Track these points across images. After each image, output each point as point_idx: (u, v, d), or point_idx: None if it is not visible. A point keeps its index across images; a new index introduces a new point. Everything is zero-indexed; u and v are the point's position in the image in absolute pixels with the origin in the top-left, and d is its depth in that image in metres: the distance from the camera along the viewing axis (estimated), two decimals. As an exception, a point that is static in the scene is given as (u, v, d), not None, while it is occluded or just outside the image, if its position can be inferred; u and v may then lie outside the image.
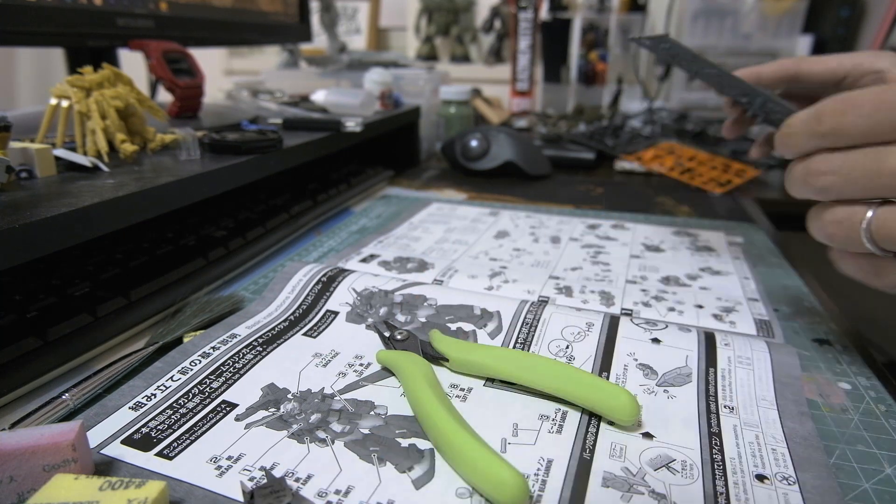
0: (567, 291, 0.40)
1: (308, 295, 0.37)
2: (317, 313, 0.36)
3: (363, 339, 0.33)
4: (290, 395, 0.28)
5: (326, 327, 0.34)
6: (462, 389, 0.29)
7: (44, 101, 0.43)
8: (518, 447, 0.24)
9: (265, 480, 0.22)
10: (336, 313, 0.35)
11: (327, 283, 0.38)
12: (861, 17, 1.10)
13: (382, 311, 0.35)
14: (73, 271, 0.37)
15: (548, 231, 0.53)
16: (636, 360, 0.31)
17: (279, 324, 0.34)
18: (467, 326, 0.34)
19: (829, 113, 0.25)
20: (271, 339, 0.33)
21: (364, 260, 0.45)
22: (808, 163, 0.26)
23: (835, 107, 0.25)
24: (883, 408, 0.28)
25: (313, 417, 0.26)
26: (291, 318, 0.35)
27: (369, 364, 0.31)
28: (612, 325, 0.33)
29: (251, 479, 0.22)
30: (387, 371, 0.30)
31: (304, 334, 0.34)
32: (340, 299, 0.37)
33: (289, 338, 0.33)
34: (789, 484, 0.23)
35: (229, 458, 0.24)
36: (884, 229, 0.24)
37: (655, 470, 0.23)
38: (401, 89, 0.85)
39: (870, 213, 0.25)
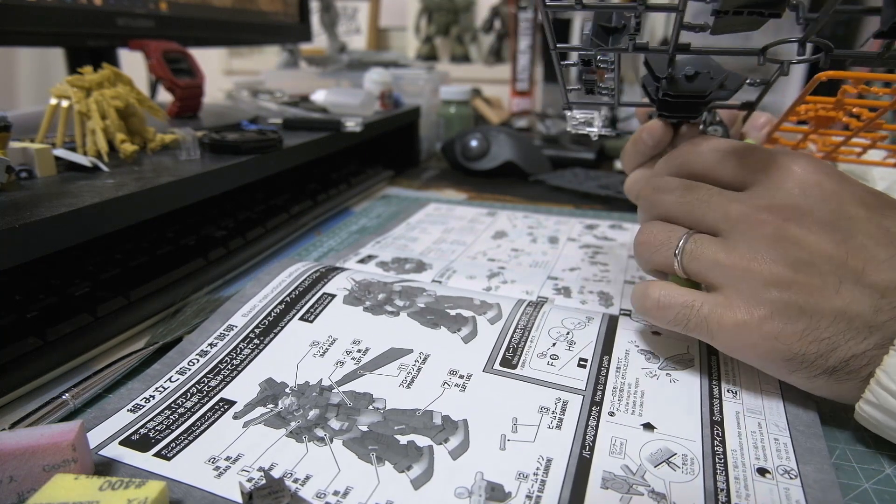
0: (566, 292, 0.40)
1: (305, 280, 0.37)
2: (313, 295, 0.35)
3: (361, 322, 0.33)
4: (287, 390, 0.28)
5: (323, 309, 0.34)
6: (461, 377, 0.29)
7: (44, 101, 0.43)
8: (517, 444, 0.24)
9: (264, 481, 0.22)
10: (333, 296, 0.35)
11: (325, 273, 0.38)
12: (861, 17, 1.10)
13: (381, 296, 0.35)
14: (73, 271, 0.37)
15: (546, 231, 0.53)
16: (637, 346, 0.31)
17: (275, 307, 0.34)
18: (466, 313, 0.34)
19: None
20: (268, 328, 0.33)
21: (362, 261, 0.45)
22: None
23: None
24: (882, 408, 0.28)
25: (311, 413, 0.26)
26: (287, 299, 0.35)
27: (367, 349, 0.31)
28: (612, 321, 0.33)
29: (249, 480, 0.22)
30: (384, 358, 0.30)
31: (301, 318, 0.33)
32: (338, 285, 0.37)
33: (286, 324, 0.33)
34: (791, 478, 0.23)
35: (227, 458, 0.24)
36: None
37: (655, 466, 0.23)
38: (401, 89, 0.85)
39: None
